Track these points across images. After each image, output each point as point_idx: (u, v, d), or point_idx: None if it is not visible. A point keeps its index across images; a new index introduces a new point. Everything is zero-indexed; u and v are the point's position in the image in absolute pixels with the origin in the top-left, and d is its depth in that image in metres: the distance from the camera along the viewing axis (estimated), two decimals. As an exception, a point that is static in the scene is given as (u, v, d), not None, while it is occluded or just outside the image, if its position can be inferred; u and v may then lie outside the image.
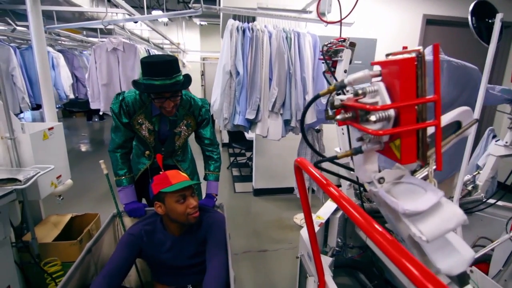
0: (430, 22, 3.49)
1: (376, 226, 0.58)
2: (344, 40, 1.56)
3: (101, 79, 3.34)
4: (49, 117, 2.08)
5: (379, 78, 0.61)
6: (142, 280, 1.52)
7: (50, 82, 2.14)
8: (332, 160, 0.79)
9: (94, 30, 4.89)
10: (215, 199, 1.69)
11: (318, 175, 0.90)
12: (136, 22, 3.80)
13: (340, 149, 1.78)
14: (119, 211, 1.53)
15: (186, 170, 1.74)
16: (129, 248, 1.26)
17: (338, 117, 0.66)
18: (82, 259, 1.16)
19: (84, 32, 5.41)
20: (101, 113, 3.53)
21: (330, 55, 1.61)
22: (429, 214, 0.62)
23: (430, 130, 0.60)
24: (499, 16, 1.24)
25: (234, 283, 1.08)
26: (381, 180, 0.70)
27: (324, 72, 1.67)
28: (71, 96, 4.77)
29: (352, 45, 1.56)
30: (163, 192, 1.22)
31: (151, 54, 4.28)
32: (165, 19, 7.93)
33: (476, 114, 1.35)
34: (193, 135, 1.74)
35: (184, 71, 1.46)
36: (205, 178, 1.73)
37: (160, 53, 5.07)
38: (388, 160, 0.64)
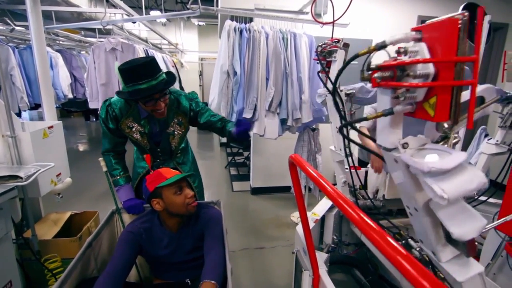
0: (424, 23, 3.54)
1: (371, 222, 0.61)
2: (338, 41, 1.60)
3: (100, 79, 3.36)
4: (48, 116, 2.11)
5: (419, 42, 0.64)
6: (141, 276, 1.55)
7: (49, 81, 2.17)
8: (360, 120, 0.81)
9: (93, 30, 4.91)
10: (249, 125, 1.62)
11: (312, 172, 0.94)
12: (134, 23, 3.83)
13: (335, 147, 1.82)
14: (118, 207, 1.56)
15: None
16: (130, 246, 1.29)
17: (376, 75, 0.67)
18: (82, 253, 1.20)
19: (82, 32, 5.42)
20: (99, 112, 3.55)
21: (324, 55, 1.65)
22: (452, 175, 0.65)
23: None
24: (487, 18, 1.28)
25: (231, 275, 1.12)
26: (405, 145, 0.73)
27: (318, 72, 1.70)
28: (70, 95, 4.78)
29: (346, 45, 1.60)
30: (159, 187, 1.26)
31: (149, 54, 4.30)
32: (163, 20, 7.95)
33: (466, 113, 1.39)
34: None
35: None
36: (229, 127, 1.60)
37: (158, 53, 5.10)
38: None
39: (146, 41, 5.12)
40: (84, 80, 5.81)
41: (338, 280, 2.12)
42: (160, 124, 1.53)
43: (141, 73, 1.29)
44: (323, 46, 1.65)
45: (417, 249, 1.49)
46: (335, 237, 2.08)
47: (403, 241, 1.59)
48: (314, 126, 2.69)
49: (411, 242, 1.56)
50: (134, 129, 1.50)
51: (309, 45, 2.45)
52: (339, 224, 2.10)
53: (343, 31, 2.72)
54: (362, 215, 0.65)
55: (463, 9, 1.40)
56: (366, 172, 2.07)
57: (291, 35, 2.37)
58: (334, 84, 1.57)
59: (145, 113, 1.48)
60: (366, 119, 0.77)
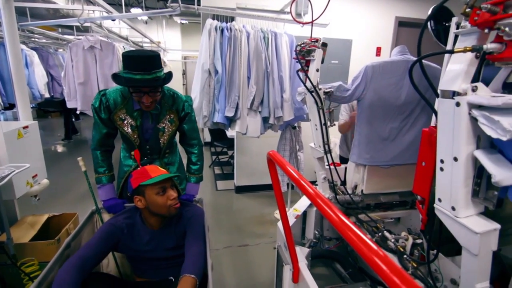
0: (402, 24, 3.66)
1: (347, 222, 0.63)
2: (317, 40, 1.65)
3: (78, 78, 3.28)
4: (23, 116, 2.04)
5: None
6: (121, 273, 1.53)
7: (24, 80, 2.10)
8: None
9: (70, 27, 4.76)
10: (194, 197, 1.72)
11: (290, 170, 0.97)
12: (114, 20, 3.75)
13: (314, 144, 1.86)
14: (98, 207, 1.54)
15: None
16: (108, 237, 1.27)
17: (484, 5, 0.74)
18: (61, 254, 1.17)
19: (59, 30, 5.25)
20: (78, 112, 3.47)
21: (303, 54, 1.68)
22: None
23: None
24: (454, 20, 1.35)
25: (211, 270, 1.13)
26: (474, 88, 0.82)
27: (298, 71, 1.74)
28: (46, 95, 4.63)
29: (324, 45, 1.64)
30: (142, 185, 1.25)
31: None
32: (145, 17, 7.81)
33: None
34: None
35: (165, 70, 1.47)
36: (187, 179, 1.73)
37: (139, 51, 5.01)
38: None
39: (126, 39, 5.03)
40: (61, 79, 5.66)
41: (319, 274, 2.17)
42: (153, 118, 1.55)
43: (138, 65, 1.31)
44: (302, 45, 1.69)
45: (392, 240, 1.56)
46: (316, 232, 2.12)
47: (380, 233, 1.66)
48: (295, 124, 2.73)
49: (387, 234, 1.62)
50: (126, 122, 1.51)
51: (289, 44, 2.49)
52: (320, 220, 2.15)
53: (323, 31, 2.78)
54: (338, 213, 0.67)
55: (432, 12, 1.48)
56: (346, 169, 2.13)
57: (272, 34, 2.40)
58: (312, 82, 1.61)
59: (138, 106, 1.49)
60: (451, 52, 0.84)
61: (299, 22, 2.10)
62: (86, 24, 3.16)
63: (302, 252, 1.61)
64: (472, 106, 0.81)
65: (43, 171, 2.02)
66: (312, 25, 1.90)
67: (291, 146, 2.70)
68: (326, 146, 1.75)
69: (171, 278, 1.37)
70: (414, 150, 1.84)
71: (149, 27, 8.51)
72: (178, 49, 8.69)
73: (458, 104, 0.83)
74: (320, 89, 1.66)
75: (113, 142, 1.63)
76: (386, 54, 3.68)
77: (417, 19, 3.65)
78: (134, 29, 4.65)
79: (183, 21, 8.08)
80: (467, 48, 0.78)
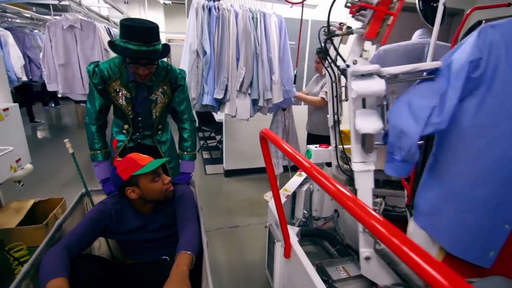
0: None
1: (345, 191, 0.66)
2: (344, 24, 1.64)
3: (58, 59, 3.13)
4: (2, 98, 1.96)
5: None
6: (114, 256, 1.53)
7: (0, 61, 2.00)
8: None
9: (46, 6, 4.50)
10: (190, 175, 1.71)
11: (285, 146, 0.98)
12: (94, -2, 3.57)
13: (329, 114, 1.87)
14: (87, 190, 1.52)
15: (165, 153, 1.71)
16: (95, 224, 1.24)
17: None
18: (52, 236, 1.16)
19: (34, 9, 4.95)
20: (59, 95, 3.33)
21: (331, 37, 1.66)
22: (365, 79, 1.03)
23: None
24: (442, 0, 1.37)
25: (207, 247, 1.15)
26: (354, 62, 1.09)
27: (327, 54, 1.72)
28: (24, 78, 4.41)
29: (349, 28, 1.63)
30: (136, 175, 1.22)
31: (112, 33, 4.05)
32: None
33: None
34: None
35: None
36: (180, 158, 1.72)
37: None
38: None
39: (107, 19, 4.81)
40: (40, 61, 5.39)
41: (309, 251, 2.24)
42: (147, 89, 1.54)
43: (137, 35, 1.30)
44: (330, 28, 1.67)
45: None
46: (305, 212, 2.18)
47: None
48: (285, 107, 2.74)
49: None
50: (120, 93, 1.50)
51: (278, 25, 2.45)
52: (309, 200, 2.20)
53: (312, 12, 2.75)
54: (337, 185, 0.70)
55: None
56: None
57: (260, 14, 2.35)
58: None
59: (132, 77, 1.48)
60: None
61: (290, 2, 2.07)
62: (64, 3, 2.99)
63: (292, 231, 1.65)
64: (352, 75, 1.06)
65: (27, 155, 1.96)
66: (302, 6, 1.88)
67: (283, 128, 2.72)
68: (336, 116, 1.76)
69: (166, 257, 1.38)
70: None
71: (130, 7, 8.18)
72: (162, 31, 8.40)
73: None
74: (338, 66, 1.66)
75: (106, 118, 1.60)
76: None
77: (407, 2, 3.64)
78: (115, 8, 4.46)
79: (166, 2, 7.78)
80: (349, 31, 1.10)
